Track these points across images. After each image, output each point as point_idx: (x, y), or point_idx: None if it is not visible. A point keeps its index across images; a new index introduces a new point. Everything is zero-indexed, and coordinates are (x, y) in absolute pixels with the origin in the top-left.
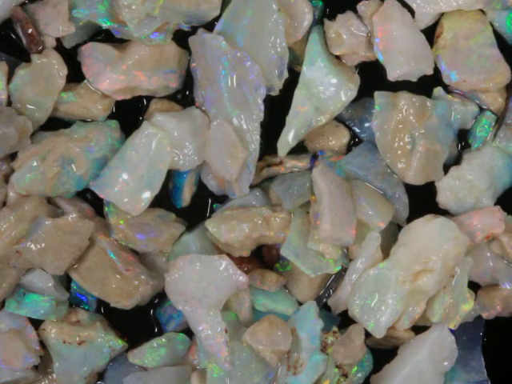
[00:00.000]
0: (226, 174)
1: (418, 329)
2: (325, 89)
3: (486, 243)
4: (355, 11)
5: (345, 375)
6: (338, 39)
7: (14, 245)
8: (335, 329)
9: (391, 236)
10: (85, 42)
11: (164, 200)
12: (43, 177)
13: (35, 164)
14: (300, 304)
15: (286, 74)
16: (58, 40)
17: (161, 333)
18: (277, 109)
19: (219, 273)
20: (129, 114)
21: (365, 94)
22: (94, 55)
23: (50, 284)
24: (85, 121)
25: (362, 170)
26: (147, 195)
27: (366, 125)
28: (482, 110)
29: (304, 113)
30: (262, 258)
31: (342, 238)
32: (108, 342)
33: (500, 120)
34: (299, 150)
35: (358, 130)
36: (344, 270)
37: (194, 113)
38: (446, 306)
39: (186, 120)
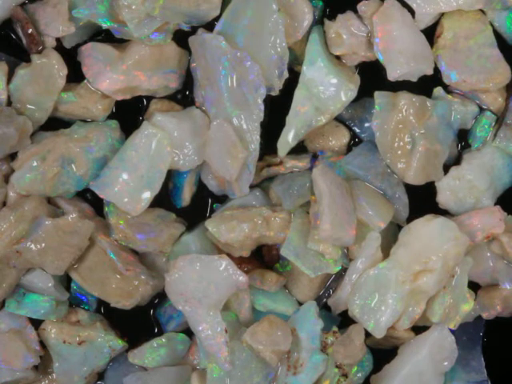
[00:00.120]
0: (226, 174)
1: (418, 329)
2: (325, 89)
3: (485, 243)
4: (355, 11)
5: (345, 375)
6: (338, 39)
7: (14, 245)
8: (335, 329)
9: (391, 236)
10: (85, 42)
11: (164, 200)
12: (43, 177)
13: (35, 164)
14: (300, 304)
15: (286, 74)
16: (58, 40)
17: (161, 333)
18: (277, 109)
19: (219, 273)
20: (129, 114)
21: (365, 94)
22: (94, 55)
23: (50, 284)
24: (85, 121)
25: (361, 170)
26: (147, 195)
27: (366, 125)
28: (482, 109)
29: (304, 113)
30: (262, 258)
31: (342, 238)
32: (108, 341)
33: (500, 120)
34: (299, 149)
35: (358, 130)
36: (344, 270)
37: (194, 113)
38: (446, 306)
39: (186, 120)
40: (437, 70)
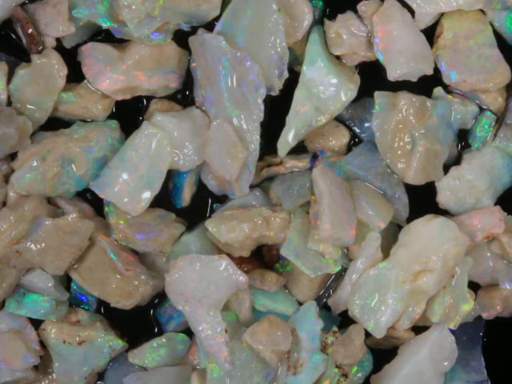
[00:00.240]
0: (226, 174)
1: (418, 329)
2: (325, 89)
3: (485, 243)
4: (355, 11)
5: (345, 375)
6: (338, 39)
7: (14, 245)
8: (335, 329)
9: (391, 236)
10: (85, 42)
11: (164, 200)
12: (43, 177)
13: (35, 164)
14: (300, 304)
15: (286, 74)
16: (58, 40)
17: (161, 333)
18: (277, 109)
19: (219, 273)
20: (129, 114)
21: (365, 94)
22: (94, 55)
23: (50, 284)
24: (85, 121)
25: (362, 170)
26: (147, 195)
27: (366, 125)
28: (482, 109)
29: (304, 113)
30: (262, 258)
31: (342, 238)
32: (108, 341)
33: (500, 120)
34: (299, 149)
35: (358, 130)
36: (344, 270)
37: (194, 113)
38: (446, 306)
39: (186, 120)
40: (437, 70)
